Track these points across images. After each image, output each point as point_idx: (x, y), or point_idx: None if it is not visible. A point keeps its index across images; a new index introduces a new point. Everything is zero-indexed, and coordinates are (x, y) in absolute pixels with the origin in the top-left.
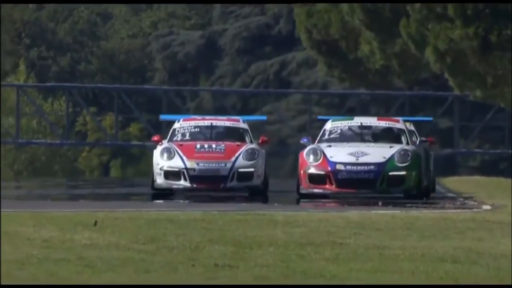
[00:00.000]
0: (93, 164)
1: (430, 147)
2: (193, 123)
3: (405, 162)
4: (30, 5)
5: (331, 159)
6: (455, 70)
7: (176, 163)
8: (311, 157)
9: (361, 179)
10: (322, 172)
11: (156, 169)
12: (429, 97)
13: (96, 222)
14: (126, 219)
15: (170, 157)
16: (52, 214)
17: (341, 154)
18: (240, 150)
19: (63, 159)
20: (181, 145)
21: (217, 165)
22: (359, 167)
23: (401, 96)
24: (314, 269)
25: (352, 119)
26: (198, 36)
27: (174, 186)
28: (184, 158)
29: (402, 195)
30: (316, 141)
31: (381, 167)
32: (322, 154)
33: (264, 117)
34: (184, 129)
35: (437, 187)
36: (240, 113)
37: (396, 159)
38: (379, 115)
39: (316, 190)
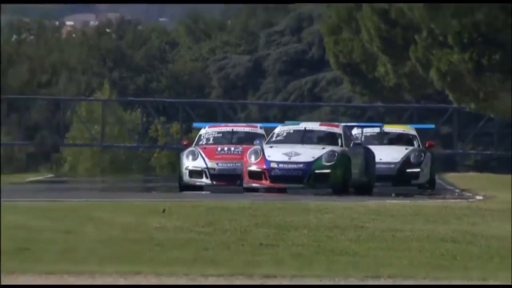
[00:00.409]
0: (162, 163)
1: (430, 150)
2: (216, 129)
3: (331, 162)
4: (113, 35)
5: (267, 158)
6: (454, 87)
7: (199, 163)
8: (253, 156)
9: (291, 176)
10: (259, 169)
11: (182, 168)
12: (433, 109)
13: (164, 209)
14: (189, 207)
15: (194, 158)
16: (129, 203)
17: (277, 154)
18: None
19: (139, 159)
20: (205, 148)
21: (234, 165)
22: (289, 165)
23: (410, 108)
24: (340, 248)
25: (299, 124)
26: (247, 60)
27: (197, 183)
28: (206, 159)
29: (417, 188)
30: (265, 142)
31: (309, 166)
32: (262, 154)
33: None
34: (208, 135)
35: (440, 181)
36: (280, 121)
37: (323, 159)
38: (392, 124)
39: (254, 185)
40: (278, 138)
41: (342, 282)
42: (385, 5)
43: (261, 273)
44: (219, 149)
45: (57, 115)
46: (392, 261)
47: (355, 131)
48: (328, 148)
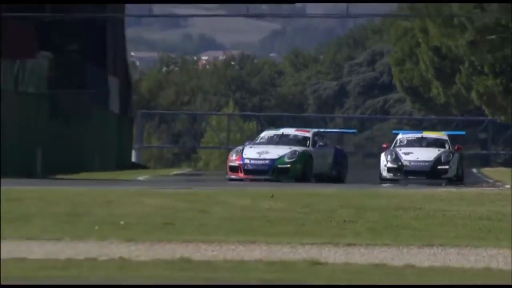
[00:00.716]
0: None
1: (459, 151)
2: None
3: (292, 158)
4: (237, 67)
5: (243, 156)
6: (489, 104)
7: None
8: (234, 154)
9: (259, 169)
10: (236, 164)
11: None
12: (473, 120)
13: (273, 195)
14: (291, 193)
15: (236, 153)
16: (246, 190)
17: (251, 153)
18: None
19: None
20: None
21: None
22: (259, 161)
23: (456, 120)
24: (403, 223)
25: (279, 130)
26: (334, 84)
27: (233, 176)
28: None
29: (446, 181)
30: (252, 143)
31: (274, 162)
32: (241, 153)
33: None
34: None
35: (479, 175)
36: (359, 131)
37: (286, 156)
38: (429, 131)
39: (232, 176)
40: (261, 140)
41: (405, 249)
42: (437, 42)
43: (345, 242)
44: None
45: (194, 125)
46: (442, 234)
47: (399, 136)
48: (293, 148)
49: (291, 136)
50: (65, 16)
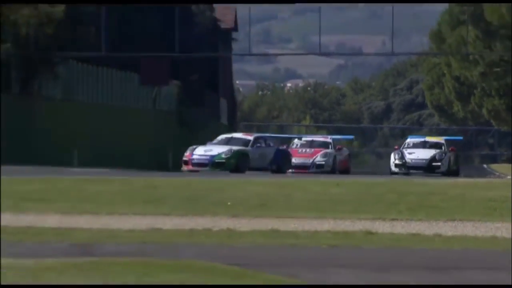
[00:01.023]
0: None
1: (453, 152)
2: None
3: (227, 155)
4: (312, 91)
5: (194, 153)
6: (495, 118)
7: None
8: (188, 151)
9: (201, 163)
10: (187, 159)
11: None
12: (483, 130)
13: (338, 183)
14: (351, 182)
15: (190, 150)
16: (319, 180)
17: (200, 151)
18: (320, 153)
19: None
20: (293, 150)
21: (304, 160)
22: (202, 157)
23: (471, 129)
24: (433, 204)
25: (231, 134)
26: (382, 103)
27: (185, 168)
28: (291, 156)
29: (441, 174)
30: (209, 143)
31: (212, 157)
32: (193, 150)
33: (352, 136)
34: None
35: (488, 169)
36: (401, 137)
37: (223, 153)
38: (432, 136)
39: (184, 168)
40: (215, 141)
41: (434, 223)
42: (457, 73)
43: (390, 218)
44: (299, 150)
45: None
46: (461, 211)
47: (408, 140)
48: (232, 147)
49: (237, 139)
50: (190, 55)
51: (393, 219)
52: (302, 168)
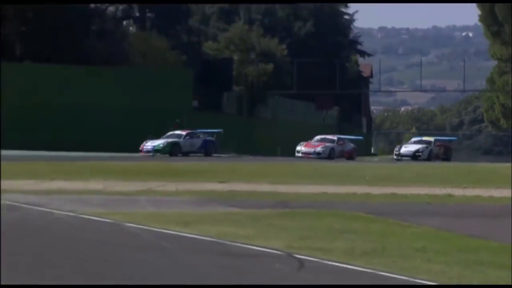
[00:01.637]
0: None
1: (441, 147)
2: (172, 132)
3: (163, 145)
4: (416, 113)
5: (145, 144)
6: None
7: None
8: (143, 143)
9: (148, 150)
10: (141, 148)
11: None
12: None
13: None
14: (393, 167)
15: (145, 142)
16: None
17: (149, 143)
18: (321, 145)
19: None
20: (307, 143)
21: (309, 149)
22: (148, 146)
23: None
24: (451, 179)
25: (197, 131)
26: (457, 120)
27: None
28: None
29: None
30: (161, 137)
31: (154, 146)
32: (145, 143)
33: (361, 137)
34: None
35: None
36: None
37: (161, 144)
38: (427, 136)
39: (140, 154)
40: (164, 136)
41: (449, 188)
42: (503, 102)
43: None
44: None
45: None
46: (467, 181)
47: (413, 139)
48: (168, 140)
49: (176, 134)
50: (345, 92)
51: (464, 187)
52: (307, 154)
